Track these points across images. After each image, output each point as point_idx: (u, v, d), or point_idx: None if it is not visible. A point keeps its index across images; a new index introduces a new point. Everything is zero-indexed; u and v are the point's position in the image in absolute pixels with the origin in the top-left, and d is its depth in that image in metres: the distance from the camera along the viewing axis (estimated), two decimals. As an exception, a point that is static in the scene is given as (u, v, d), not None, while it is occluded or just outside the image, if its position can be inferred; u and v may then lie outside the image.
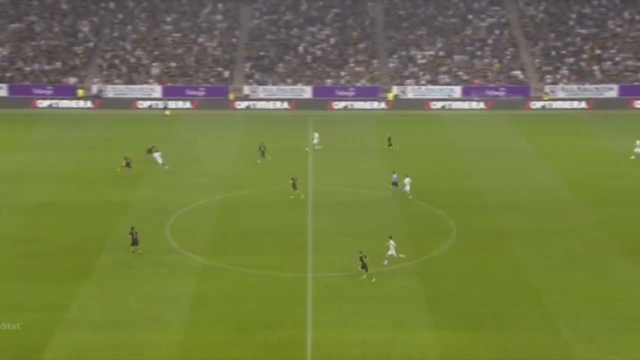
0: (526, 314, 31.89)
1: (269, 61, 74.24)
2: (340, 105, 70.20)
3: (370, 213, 42.98)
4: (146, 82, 71.92)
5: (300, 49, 75.66)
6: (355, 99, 70.85)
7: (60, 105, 68.93)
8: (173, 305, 32.11)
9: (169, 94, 70.82)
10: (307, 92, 71.52)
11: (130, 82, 71.83)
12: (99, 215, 42.42)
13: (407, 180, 45.22)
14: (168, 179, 48.91)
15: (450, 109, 70.05)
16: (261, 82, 72.04)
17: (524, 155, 55.06)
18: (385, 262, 35.64)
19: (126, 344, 29.29)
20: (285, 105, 70.13)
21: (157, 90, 71.18)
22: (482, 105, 70.49)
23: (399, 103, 70.37)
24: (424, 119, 66.72)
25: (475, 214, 43.02)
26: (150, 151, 52.22)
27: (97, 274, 35.11)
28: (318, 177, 49.07)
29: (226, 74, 73.21)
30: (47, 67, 72.45)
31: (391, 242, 35.84)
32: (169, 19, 78.64)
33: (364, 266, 34.53)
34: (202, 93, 70.98)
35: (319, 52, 75.43)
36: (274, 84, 71.89)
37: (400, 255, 35.80)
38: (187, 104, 70.05)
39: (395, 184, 45.15)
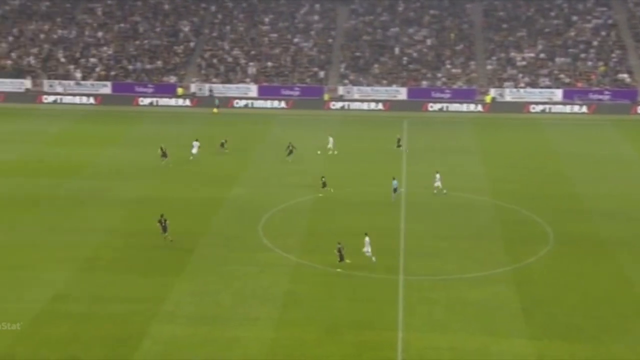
0: (630, 328, 30.34)
1: (364, 62, 74.12)
2: (435, 107, 69.22)
3: (465, 216, 42.08)
4: (243, 82, 73.28)
5: (396, 50, 75.13)
6: (451, 101, 69.72)
7: (160, 103, 71.23)
8: (264, 303, 32.42)
9: (264, 93, 71.90)
10: (402, 93, 70.91)
11: (227, 81, 73.38)
12: (194, 211, 43.37)
13: (437, 176, 45.30)
14: (262, 177, 49.56)
15: (550, 113, 67.82)
16: (356, 83, 72.01)
17: (628, 162, 52.58)
18: (373, 258, 35.50)
19: (217, 339, 29.76)
20: (380, 106, 69.80)
21: (253, 89, 72.38)
22: (584, 109, 67.82)
23: (497, 106, 68.71)
24: (522, 123, 64.88)
25: (575, 220, 41.38)
26: (223, 145, 53.43)
27: (191, 268, 35.87)
28: (412, 178, 48.54)
29: (321, 74, 73.61)
30: (148, 66, 75.06)
31: (367, 239, 35.66)
32: (266, 19, 79.85)
33: (341, 257, 35.02)
34: (297, 93, 71.64)
35: (415, 54, 74.66)
36: (368, 85, 71.71)
37: (373, 258, 35.43)
38: (282, 104, 70.87)
39: (395, 190, 44.16)
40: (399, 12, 79.40)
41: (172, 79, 73.81)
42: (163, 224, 38.19)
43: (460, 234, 39.60)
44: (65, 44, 77.37)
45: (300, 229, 40.76)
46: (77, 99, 71.11)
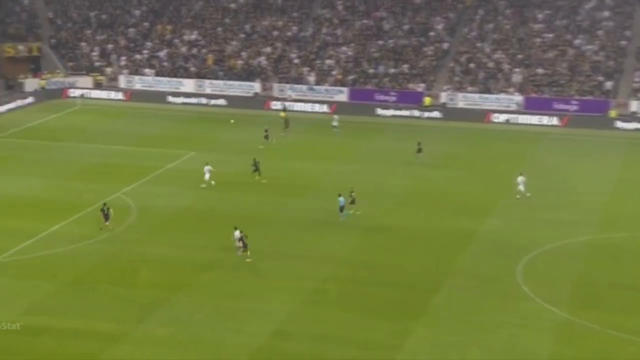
0: None
1: (665, 70, 69.55)
2: None
3: None
4: (505, 91, 72.08)
5: None
6: None
7: (401, 114, 72.26)
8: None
9: (531, 106, 70.16)
10: None
11: (486, 90, 72.61)
12: (438, 244, 43.15)
13: (520, 179, 48.67)
14: (524, 209, 48.19)
15: None
16: (654, 97, 67.75)
17: None
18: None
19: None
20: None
21: (517, 101, 70.90)
22: None
23: None
24: None
25: None
26: (419, 150, 56.45)
27: (432, 313, 35.53)
28: None
29: (608, 85, 70.13)
30: (392, 70, 76.61)
31: (236, 232, 40.31)
32: (540, 15, 78.05)
33: (245, 245, 40.17)
34: (575, 107, 69.08)
35: None
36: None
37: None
38: (554, 120, 68.58)
39: (341, 208, 46.00)
40: None
41: (419, 87, 74.61)
42: (105, 212, 43.44)
43: None
44: (299, 42, 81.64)
45: (572, 277, 38.98)
46: (308, 106, 74.49)
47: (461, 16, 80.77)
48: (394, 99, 74.07)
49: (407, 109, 72.67)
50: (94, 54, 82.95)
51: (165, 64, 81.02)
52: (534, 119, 69.15)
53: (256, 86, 77.64)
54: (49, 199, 49.48)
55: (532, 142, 63.80)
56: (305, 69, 78.23)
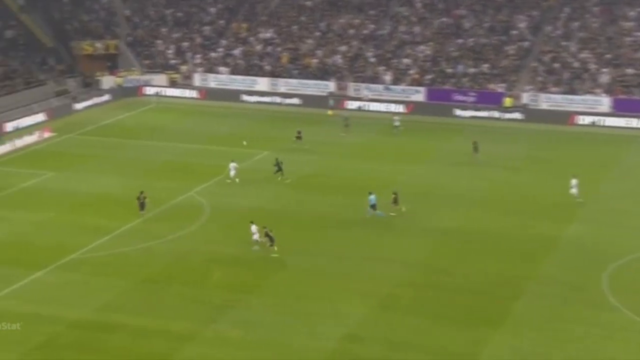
0: None
1: None
2: None
3: None
4: (591, 92, 70.54)
5: None
6: None
7: (480, 115, 71.41)
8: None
9: (620, 108, 68.47)
10: None
11: (571, 91, 71.16)
12: (518, 250, 42.49)
13: (574, 182, 48.20)
14: (612, 214, 47.14)
15: None
16: None
17: None
18: (255, 247, 41.83)
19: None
20: None
21: (603, 103, 69.30)
22: None
23: None
24: None
25: None
26: (475, 150, 57.03)
27: (512, 321, 34.96)
28: None
29: (701, 85, 68.09)
30: (472, 70, 75.78)
31: (252, 226, 41.93)
32: (631, 13, 76.12)
33: (271, 240, 41.68)
34: (667, 110, 67.26)
35: None
36: None
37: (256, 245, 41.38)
38: (645, 123, 66.99)
39: (372, 206, 46.26)
40: None
41: (500, 87, 73.61)
42: (142, 201, 45.05)
43: None
44: (376, 41, 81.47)
45: (663, 287, 37.89)
46: (383, 106, 74.28)
47: (545, 14, 79.36)
48: (472, 99, 73.17)
49: (486, 109, 71.68)
50: (169, 51, 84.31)
51: (239, 62, 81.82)
52: (622, 122, 67.45)
53: (331, 85, 77.73)
54: (124, 196, 50.43)
55: (620, 145, 62.24)
56: (382, 68, 77.98)
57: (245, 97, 77.87)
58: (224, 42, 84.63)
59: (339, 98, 75.93)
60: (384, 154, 60.74)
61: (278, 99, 77.27)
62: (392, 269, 40.36)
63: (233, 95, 77.74)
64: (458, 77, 75.42)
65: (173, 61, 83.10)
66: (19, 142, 61.88)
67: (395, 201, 47.60)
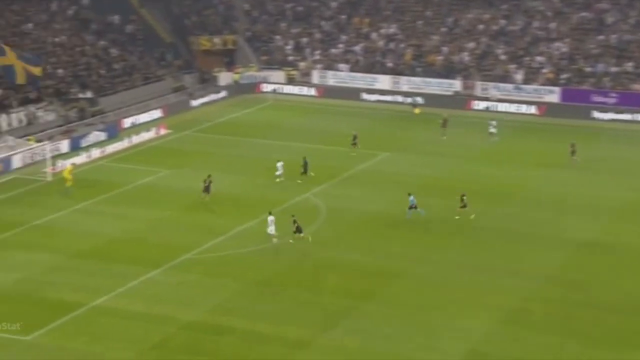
0: None
1: None
2: None
3: None
4: None
5: None
6: None
7: (622, 118, 69.33)
8: None
9: None
10: None
11: None
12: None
13: None
14: None
15: None
16: None
17: None
18: (275, 240, 43.12)
19: None
20: None
21: None
22: None
23: None
24: None
25: None
26: (573, 153, 55.23)
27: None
28: None
29: None
30: (613, 69, 73.57)
31: (270, 217, 42.92)
32: None
33: (298, 229, 43.14)
34: None
35: None
36: None
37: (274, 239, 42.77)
38: None
39: (413, 207, 46.66)
40: None
41: (642, 87, 71.38)
42: (207, 185, 48.43)
43: None
44: (507, 37, 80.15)
45: None
46: (513, 107, 73.05)
47: (696, 8, 76.39)
48: (614, 101, 71.17)
49: (629, 112, 69.70)
50: (287, 47, 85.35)
51: (360, 58, 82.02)
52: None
53: (457, 84, 76.95)
54: (239, 195, 51.33)
55: None
56: (512, 66, 76.68)
57: (365, 96, 78.00)
58: (344, 37, 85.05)
59: (464, 98, 75.15)
60: (512, 158, 59.63)
61: (400, 98, 76.96)
62: (521, 282, 39.55)
63: (352, 94, 77.98)
64: (598, 77, 73.49)
65: (291, 57, 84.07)
66: (136, 139, 63.84)
67: (464, 204, 46.95)
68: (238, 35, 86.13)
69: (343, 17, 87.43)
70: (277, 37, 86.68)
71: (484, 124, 65.81)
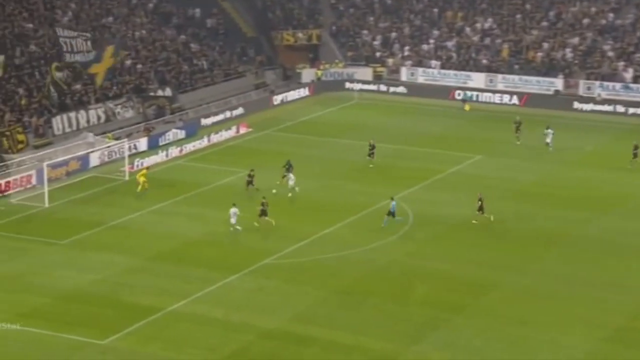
0: None
1: None
2: None
3: None
4: None
5: None
6: None
7: None
8: None
9: None
10: None
11: None
12: None
13: None
14: None
15: None
16: None
17: None
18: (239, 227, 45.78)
19: None
20: None
21: None
22: None
23: None
24: None
25: None
26: (635, 155, 53.30)
27: None
28: None
29: None
30: None
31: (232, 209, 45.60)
32: None
33: (264, 212, 46.02)
34: None
35: None
36: None
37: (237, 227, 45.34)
38: None
39: (392, 214, 46.30)
40: None
41: None
42: (249, 180, 51.36)
43: None
44: (615, 32, 78.69)
45: None
46: (618, 108, 71.93)
47: None
48: None
49: None
50: (375, 42, 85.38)
51: (452, 55, 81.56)
52: None
53: (558, 83, 75.87)
54: (321, 199, 51.66)
55: None
56: (621, 64, 75.24)
57: (457, 95, 77.48)
58: (435, 32, 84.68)
59: (566, 97, 74.05)
60: (620, 163, 58.38)
61: (497, 98, 76.27)
62: (626, 297, 38.98)
63: (443, 92, 77.60)
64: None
65: (378, 53, 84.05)
66: (215, 137, 64.74)
67: (481, 208, 46.44)
68: (323, 29, 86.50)
69: (435, 10, 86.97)
70: (364, 31, 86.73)
71: (587, 126, 64.87)
